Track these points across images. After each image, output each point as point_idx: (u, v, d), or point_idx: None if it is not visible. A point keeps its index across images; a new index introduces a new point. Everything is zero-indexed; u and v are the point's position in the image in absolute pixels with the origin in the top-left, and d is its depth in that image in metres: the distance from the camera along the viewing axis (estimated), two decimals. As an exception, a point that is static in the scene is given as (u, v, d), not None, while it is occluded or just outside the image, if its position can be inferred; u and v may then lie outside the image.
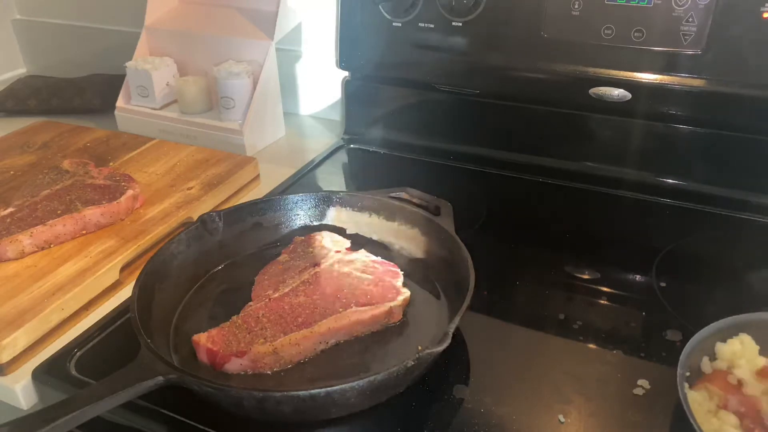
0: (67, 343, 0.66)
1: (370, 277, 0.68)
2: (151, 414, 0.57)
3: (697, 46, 0.78)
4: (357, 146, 1.07)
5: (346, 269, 0.69)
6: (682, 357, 0.54)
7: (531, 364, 0.62)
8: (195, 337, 0.61)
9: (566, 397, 0.58)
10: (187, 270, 0.71)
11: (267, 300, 0.65)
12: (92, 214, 0.78)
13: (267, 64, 1.04)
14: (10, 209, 0.78)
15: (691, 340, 0.56)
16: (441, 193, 0.78)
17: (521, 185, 0.95)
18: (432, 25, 0.91)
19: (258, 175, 0.97)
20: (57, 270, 0.72)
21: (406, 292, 0.67)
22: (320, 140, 1.12)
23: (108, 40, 1.33)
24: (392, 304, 0.65)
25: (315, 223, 0.80)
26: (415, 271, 0.73)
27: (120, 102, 1.14)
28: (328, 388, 0.52)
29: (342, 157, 1.06)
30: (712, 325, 0.58)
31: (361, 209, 0.79)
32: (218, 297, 0.70)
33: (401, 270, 0.70)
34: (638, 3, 0.79)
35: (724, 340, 0.58)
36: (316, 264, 0.70)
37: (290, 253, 0.73)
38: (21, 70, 1.47)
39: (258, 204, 0.78)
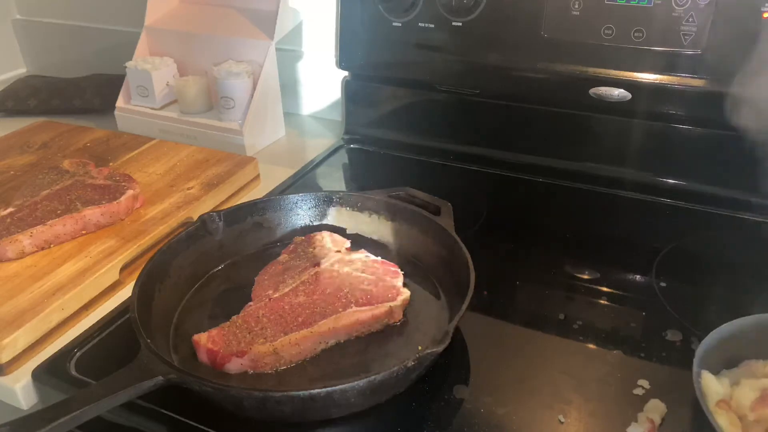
0: (67, 343, 0.66)
1: (370, 277, 0.68)
2: (151, 414, 0.57)
3: (697, 46, 0.78)
4: (357, 146, 1.07)
5: (346, 269, 0.69)
6: (696, 357, 0.53)
7: (531, 364, 0.62)
8: (195, 337, 0.61)
9: (566, 397, 0.58)
10: (187, 270, 0.71)
11: (267, 300, 0.65)
12: (92, 214, 0.78)
13: (267, 64, 1.04)
14: (10, 209, 0.78)
15: (706, 338, 0.55)
16: (441, 193, 0.78)
17: (521, 185, 0.95)
18: (432, 25, 0.91)
19: (258, 175, 0.97)
20: (57, 270, 0.72)
21: (406, 292, 0.67)
22: (320, 140, 1.12)
23: (108, 40, 1.33)
24: (392, 304, 0.65)
25: (315, 223, 0.80)
26: (415, 271, 0.73)
27: (120, 102, 1.14)
28: (328, 388, 0.52)
29: (342, 157, 1.06)
30: (728, 324, 0.57)
31: (361, 209, 0.79)
32: (218, 297, 0.70)
33: (401, 270, 0.70)
34: (638, 3, 0.79)
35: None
36: (316, 264, 0.70)
37: (290, 253, 0.73)
38: (21, 70, 1.47)
39: (258, 204, 0.78)
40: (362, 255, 0.72)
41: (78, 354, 0.64)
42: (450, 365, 0.61)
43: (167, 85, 1.11)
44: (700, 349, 0.54)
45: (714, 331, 0.56)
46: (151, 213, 0.83)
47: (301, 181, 0.97)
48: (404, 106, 1.03)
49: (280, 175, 0.98)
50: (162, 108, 1.12)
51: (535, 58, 0.87)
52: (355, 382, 0.52)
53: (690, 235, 0.82)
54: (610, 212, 0.89)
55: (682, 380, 0.59)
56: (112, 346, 0.66)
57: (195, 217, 0.80)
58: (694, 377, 0.52)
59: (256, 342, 0.60)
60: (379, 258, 0.72)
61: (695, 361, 0.54)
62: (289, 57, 1.16)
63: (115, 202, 0.80)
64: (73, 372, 0.62)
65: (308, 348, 0.61)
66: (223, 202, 0.89)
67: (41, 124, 1.10)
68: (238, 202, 0.82)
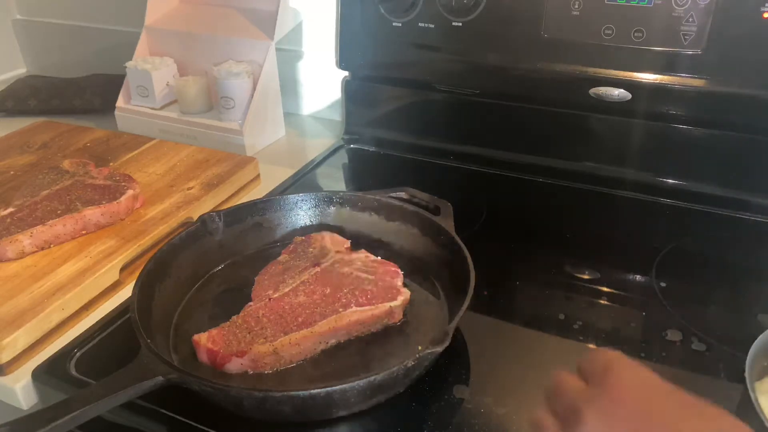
0: (67, 343, 0.66)
1: (370, 277, 0.68)
2: (151, 414, 0.57)
3: (697, 46, 0.78)
4: (357, 146, 1.07)
5: (346, 269, 0.69)
6: (748, 360, 0.53)
7: (531, 364, 0.62)
8: (195, 337, 0.61)
9: (566, 397, 0.58)
10: (187, 270, 0.71)
11: (267, 300, 0.65)
12: (92, 214, 0.78)
13: (267, 64, 1.04)
14: (10, 209, 0.78)
15: (754, 346, 0.54)
16: (441, 193, 0.78)
17: (521, 185, 0.95)
18: (432, 25, 0.91)
19: (258, 175, 0.97)
20: (57, 270, 0.72)
21: (406, 292, 0.67)
22: (320, 140, 1.12)
23: (108, 40, 1.33)
24: (392, 304, 0.65)
25: (315, 223, 0.80)
26: (415, 271, 0.73)
27: (120, 102, 1.14)
28: (328, 388, 0.52)
29: (342, 157, 1.06)
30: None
31: (361, 209, 0.79)
32: (218, 297, 0.70)
33: (401, 270, 0.70)
34: (638, 3, 0.79)
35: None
36: (316, 264, 0.70)
37: (290, 253, 0.73)
38: (21, 70, 1.46)
39: (258, 204, 0.78)
40: (362, 255, 0.72)
41: (78, 354, 0.64)
42: (450, 365, 0.61)
43: (167, 85, 1.11)
44: (750, 358, 0.53)
45: (760, 337, 0.55)
46: (151, 213, 0.83)
47: (301, 181, 0.97)
48: (404, 106, 1.03)
49: (280, 175, 0.98)
50: (162, 108, 1.12)
51: (535, 58, 0.87)
52: (355, 382, 0.52)
53: (690, 235, 0.82)
54: (610, 212, 0.89)
55: (682, 380, 0.59)
56: (112, 346, 0.66)
57: (195, 217, 0.80)
58: (747, 382, 0.51)
59: (256, 342, 0.60)
60: (379, 258, 0.72)
61: (747, 364, 0.52)
62: (289, 57, 1.16)
63: (115, 202, 0.80)
64: (73, 372, 0.62)
65: (308, 348, 0.61)
66: (223, 202, 0.89)
67: (41, 124, 1.10)
68: (238, 202, 0.83)
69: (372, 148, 1.06)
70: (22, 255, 0.74)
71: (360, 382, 0.52)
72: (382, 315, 0.64)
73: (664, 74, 0.81)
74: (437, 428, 0.55)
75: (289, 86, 1.17)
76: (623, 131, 0.89)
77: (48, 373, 0.63)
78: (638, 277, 0.75)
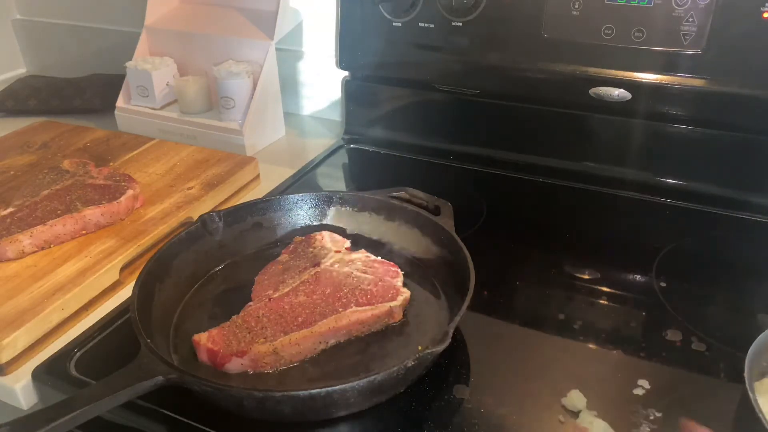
0: (67, 343, 0.66)
1: (370, 277, 0.68)
2: (151, 414, 0.57)
3: (697, 46, 0.78)
4: (357, 146, 1.07)
5: (346, 269, 0.69)
6: (748, 360, 0.53)
7: (531, 364, 0.62)
8: (195, 337, 0.61)
9: (566, 397, 0.58)
10: (187, 270, 0.71)
11: (267, 300, 0.65)
12: (92, 214, 0.78)
13: (267, 64, 1.04)
14: (10, 209, 0.78)
15: (753, 346, 0.54)
16: (441, 193, 0.78)
17: (521, 185, 0.95)
18: (432, 25, 0.91)
19: (258, 175, 0.97)
20: (57, 270, 0.72)
21: (406, 292, 0.67)
22: (320, 140, 1.12)
23: (108, 40, 1.33)
24: (392, 303, 0.65)
25: (315, 223, 0.80)
26: (415, 271, 0.73)
27: (120, 102, 1.14)
28: (328, 388, 0.52)
29: (342, 157, 1.06)
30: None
31: (361, 209, 0.79)
32: (218, 297, 0.70)
33: (401, 270, 0.70)
34: (638, 3, 0.79)
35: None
36: (316, 264, 0.70)
37: (290, 253, 0.73)
38: (21, 70, 1.47)
39: (258, 204, 0.79)
40: (362, 255, 0.72)
41: (78, 354, 0.64)
42: (450, 365, 0.61)
43: (167, 85, 1.11)
44: (749, 358, 0.53)
45: (759, 338, 0.55)
46: (151, 213, 0.83)
47: (301, 181, 0.97)
48: (404, 106, 1.03)
49: (280, 175, 0.98)
50: (162, 108, 1.12)
51: (535, 58, 0.87)
52: (355, 382, 0.52)
53: (690, 235, 0.82)
54: (610, 212, 0.89)
55: (682, 380, 0.60)
56: (112, 346, 0.66)
57: (195, 217, 0.80)
58: (747, 383, 0.51)
59: (256, 342, 0.60)
60: (379, 258, 0.72)
61: (747, 365, 0.52)
62: (289, 57, 1.16)
63: (115, 202, 0.80)
64: (73, 372, 0.62)
65: (308, 348, 0.61)
66: (223, 202, 0.89)
67: (41, 124, 1.10)
68: (238, 202, 0.83)
69: (372, 148, 1.06)
70: (22, 255, 0.74)
71: (360, 382, 0.52)
72: (382, 315, 0.64)
73: (664, 74, 0.81)
74: (437, 428, 0.55)
75: (289, 86, 1.17)
76: (623, 131, 0.89)
77: (48, 373, 0.63)
78: (638, 277, 0.75)
